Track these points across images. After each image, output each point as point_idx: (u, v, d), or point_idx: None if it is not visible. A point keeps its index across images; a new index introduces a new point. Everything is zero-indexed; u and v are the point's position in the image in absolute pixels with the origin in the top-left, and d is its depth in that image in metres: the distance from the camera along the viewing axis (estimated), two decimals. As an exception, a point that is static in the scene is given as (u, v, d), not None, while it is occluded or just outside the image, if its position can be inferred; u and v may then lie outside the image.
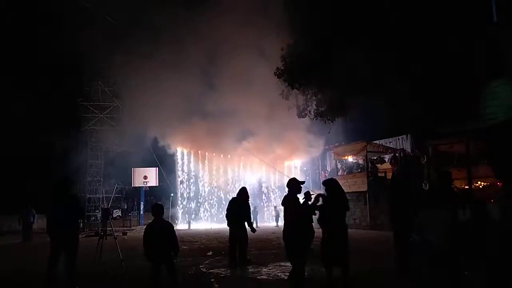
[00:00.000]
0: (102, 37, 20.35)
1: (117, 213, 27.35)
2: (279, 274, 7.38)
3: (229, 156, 23.63)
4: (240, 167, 24.30)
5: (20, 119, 22.33)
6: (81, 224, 18.67)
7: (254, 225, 20.49)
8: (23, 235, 15.87)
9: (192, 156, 23.23)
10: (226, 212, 9.07)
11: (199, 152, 23.28)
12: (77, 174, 23.48)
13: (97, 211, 24.13)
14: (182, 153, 22.99)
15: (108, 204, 11.97)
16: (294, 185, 5.84)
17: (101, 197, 24.24)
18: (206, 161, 23.45)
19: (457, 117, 14.20)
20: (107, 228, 8.62)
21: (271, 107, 20.02)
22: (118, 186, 24.33)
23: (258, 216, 20.64)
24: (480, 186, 14.83)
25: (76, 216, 6.60)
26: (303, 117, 17.38)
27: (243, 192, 9.07)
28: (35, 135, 23.64)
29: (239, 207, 8.82)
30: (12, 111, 21.46)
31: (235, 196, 9.28)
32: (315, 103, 16.24)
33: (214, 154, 23.36)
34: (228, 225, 8.86)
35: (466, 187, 14.71)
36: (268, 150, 22.61)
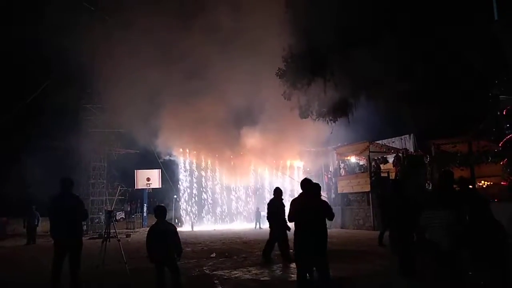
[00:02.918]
0: (102, 37, 20.35)
1: (120, 215, 27.39)
2: (281, 276, 7.39)
3: (231, 157, 23.61)
4: (244, 168, 24.22)
5: (21, 119, 22.36)
6: (85, 226, 18.69)
7: (257, 227, 20.43)
8: (28, 238, 15.93)
9: (195, 157, 23.23)
10: (267, 215, 9.17)
11: (202, 153, 23.27)
12: (80, 176, 23.51)
13: (100, 213, 24.11)
14: (184, 155, 22.99)
15: (112, 206, 11.91)
16: (312, 185, 5.92)
17: (104, 199, 24.25)
18: (209, 162, 23.45)
19: (460, 117, 14.17)
20: (111, 230, 8.63)
21: (273, 107, 19.99)
22: (121, 188, 24.35)
23: (261, 219, 20.56)
24: (484, 186, 14.80)
25: (79, 218, 6.60)
26: (305, 118, 17.35)
27: (277, 191, 9.17)
28: (38, 137, 23.69)
29: (277, 208, 8.89)
30: (12, 112, 21.49)
31: (272, 197, 9.30)
32: (317, 103, 16.22)
33: (217, 155, 23.35)
34: (270, 226, 9.00)
35: (469, 186, 14.65)
36: (270, 150, 22.57)
